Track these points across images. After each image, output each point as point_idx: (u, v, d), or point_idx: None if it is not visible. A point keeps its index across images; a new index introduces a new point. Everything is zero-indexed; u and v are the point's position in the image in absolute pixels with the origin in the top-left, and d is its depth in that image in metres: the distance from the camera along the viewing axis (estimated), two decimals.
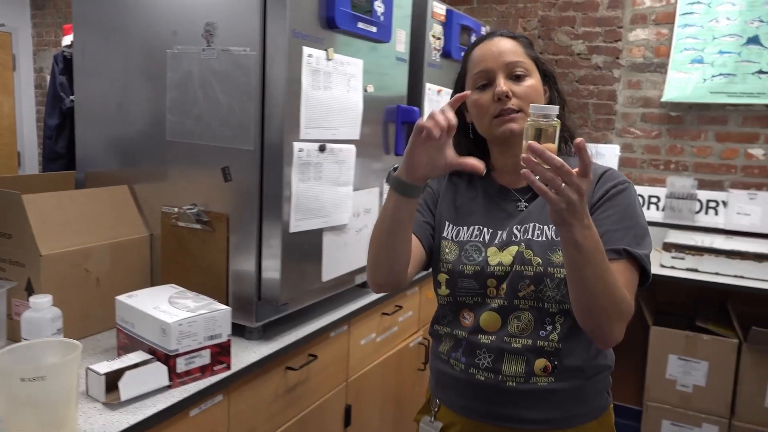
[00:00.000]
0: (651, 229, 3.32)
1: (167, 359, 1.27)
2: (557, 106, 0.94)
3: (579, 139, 0.88)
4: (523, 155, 0.89)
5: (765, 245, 2.70)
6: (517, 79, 1.14)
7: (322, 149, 1.59)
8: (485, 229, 1.19)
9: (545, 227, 1.13)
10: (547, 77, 1.21)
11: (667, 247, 2.66)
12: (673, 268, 2.65)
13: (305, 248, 1.62)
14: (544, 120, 0.92)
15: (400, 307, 2.18)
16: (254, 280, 1.55)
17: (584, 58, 3.32)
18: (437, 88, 2.22)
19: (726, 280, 2.53)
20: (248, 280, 1.56)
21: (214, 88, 1.53)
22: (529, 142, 0.90)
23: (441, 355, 1.23)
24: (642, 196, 3.21)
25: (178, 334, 1.27)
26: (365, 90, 1.76)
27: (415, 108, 1.98)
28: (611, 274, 0.98)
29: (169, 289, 1.47)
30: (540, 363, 1.12)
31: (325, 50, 1.56)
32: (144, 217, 1.71)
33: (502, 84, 1.12)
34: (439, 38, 2.17)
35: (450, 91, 1.30)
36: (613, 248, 1.06)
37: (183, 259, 1.64)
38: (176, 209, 1.62)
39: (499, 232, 1.16)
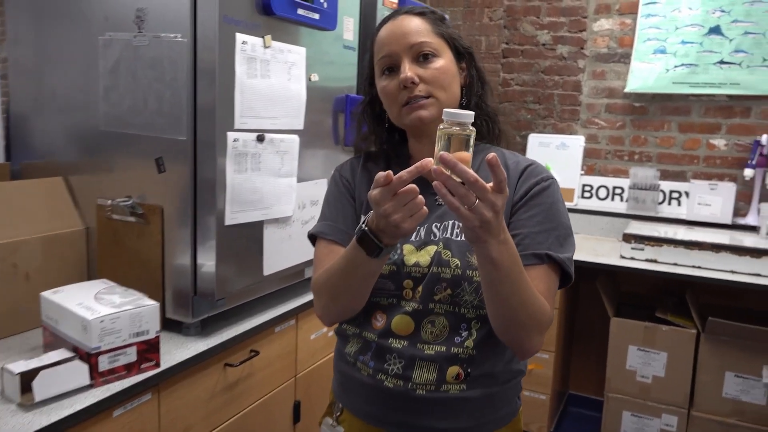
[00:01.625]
0: (615, 220, 3.30)
1: (89, 357, 1.23)
2: (472, 113, 0.86)
3: (491, 155, 0.80)
4: (434, 167, 0.83)
5: (724, 235, 2.70)
6: (425, 61, 1.06)
7: (260, 139, 1.55)
8: None
9: None
10: (463, 55, 1.12)
11: (627, 238, 2.66)
12: (632, 259, 2.64)
13: (244, 241, 1.58)
14: (458, 128, 0.86)
15: None
16: (190, 274, 1.51)
17: (549, 48, 3.29)
18: None
19: (684, 271, 2.52)
20: (184, 274, 1.52)
21: (147, 75, 1.48)
22: (441, 153, 0.82)
23: (347, 357, 1.15)
24: (606, 187, 3.21)
25: (100, 331, 1.23)
26: (309, 79, 1.72)
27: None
28: (529, 288, 0.95)
29: (98, 284, 1.43)
30: (452, 370, 1.05)
31: (262, 37, 1.51)
32: (80, 210, 1.65)
33: (407, 69, 1.04)
34: None
35: None
36: (535, 252, 1.02)
37: (119, 253, 1.59)
38: (110, 202, 1.57)
39: (417, 228, 1.09)
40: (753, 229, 2.83)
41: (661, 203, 3.10)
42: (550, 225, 1.05)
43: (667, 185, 3.08)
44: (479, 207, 0.81)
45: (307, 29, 1.70)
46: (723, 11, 2.87)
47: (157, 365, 1.34)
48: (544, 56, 3.31)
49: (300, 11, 1.61)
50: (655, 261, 2.61)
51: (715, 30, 2.90)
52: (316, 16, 1.68)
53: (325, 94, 1.85)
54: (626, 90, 3.10)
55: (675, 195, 3.08)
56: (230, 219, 1.49)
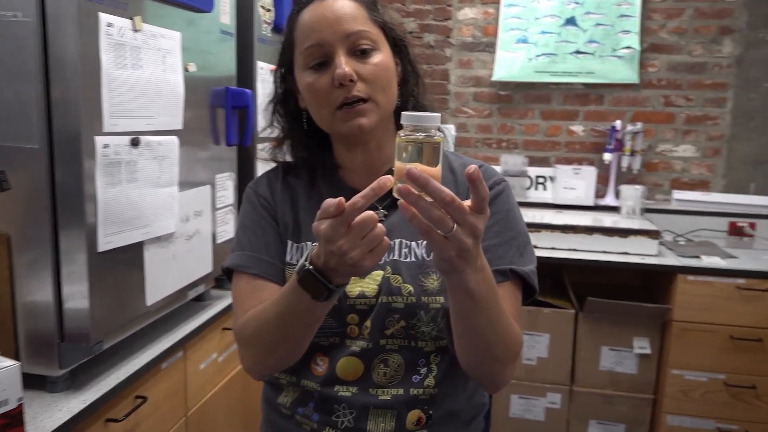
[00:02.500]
0: None
1: None
2: (438, 115, 0.72)
3: (472, 168, 0.66)
4: (399, 185, 0.67)
5: (589, 217, 2.85)
6: (363, 54, 0.89)
7: (135, 143, 1.27)
8: None
9: (413, 243, 0.94)
10: (398, 47, 0.98)
11: None
12: None
13: (121, 268, 1.30)
14: (423, 134, 0.70)
15: None
16: (53, 314, 1.20)
17: (416, 36, 3.24)
18: (271, 66, 1.96)
19: (562, 254, 2.62)
20: (45, 315, 1.21)
21: None
22: (408, 167, 0.67)
23: (281, 408, 0.97)
24: None
25: None
26: (186, 69, 1.46)
27: (247, 90, 1.71)
28: (505, 317, 0.84)
29: None
30: (413, 416, 0.92)
31: (131, 18, 1.23)
32: None
33: (343, 64, 0.87)
34: (269, 9, 1.91)
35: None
36: (499, 269, 0.91)
37: None
38: None
39: None
40: (613, 209, 3.02)
41: (528, 188, 3.21)
42: (509, 235, 0.95)
43: (533, 171, 3.19)
44: (457, 233, 0.67)
45: (180, 11, 1.44)
46: (577, 3, 3.01)
47: None
48: (412, 44, 3.23)
49: None
50: (535, 246, 2.66)
51: (571, 21, 3.03)
52: None
53: (202, 86, 1.60)
54: (492, 79, 3.15)
55: (541, 180, 3.20)
56: (104, 244, 1.21)
